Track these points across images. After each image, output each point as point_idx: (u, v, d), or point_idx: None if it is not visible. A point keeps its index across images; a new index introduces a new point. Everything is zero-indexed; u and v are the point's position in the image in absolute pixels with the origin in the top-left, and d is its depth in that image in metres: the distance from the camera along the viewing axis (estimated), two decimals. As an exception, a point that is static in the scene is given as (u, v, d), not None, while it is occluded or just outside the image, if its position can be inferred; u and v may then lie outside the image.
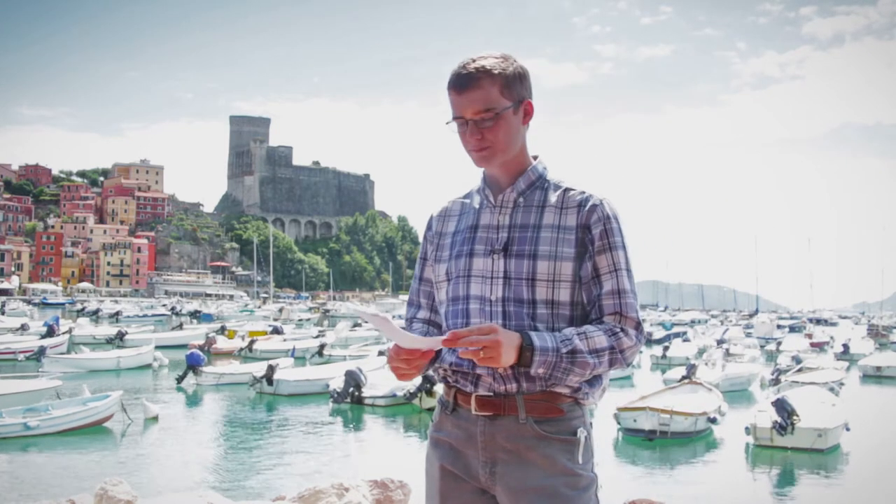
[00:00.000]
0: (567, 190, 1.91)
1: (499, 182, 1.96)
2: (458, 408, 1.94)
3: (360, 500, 5.65)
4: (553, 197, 1.91)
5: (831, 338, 52.08)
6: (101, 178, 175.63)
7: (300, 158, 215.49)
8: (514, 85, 1.87)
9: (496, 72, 1.84)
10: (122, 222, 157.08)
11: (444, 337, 1.73)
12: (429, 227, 2.09)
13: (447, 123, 1.91)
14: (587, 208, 1.87)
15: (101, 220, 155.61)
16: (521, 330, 1.80)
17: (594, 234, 1.86)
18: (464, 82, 1.85)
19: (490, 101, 1.84)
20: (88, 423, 16.03)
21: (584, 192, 1.90)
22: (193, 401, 22.18)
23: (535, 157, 1.98)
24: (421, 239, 2.18)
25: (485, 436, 1.89)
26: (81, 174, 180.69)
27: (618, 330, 1.83)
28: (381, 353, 29.05)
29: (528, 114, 1.91)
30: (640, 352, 1.90)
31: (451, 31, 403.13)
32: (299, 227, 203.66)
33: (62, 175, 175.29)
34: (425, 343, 1.76)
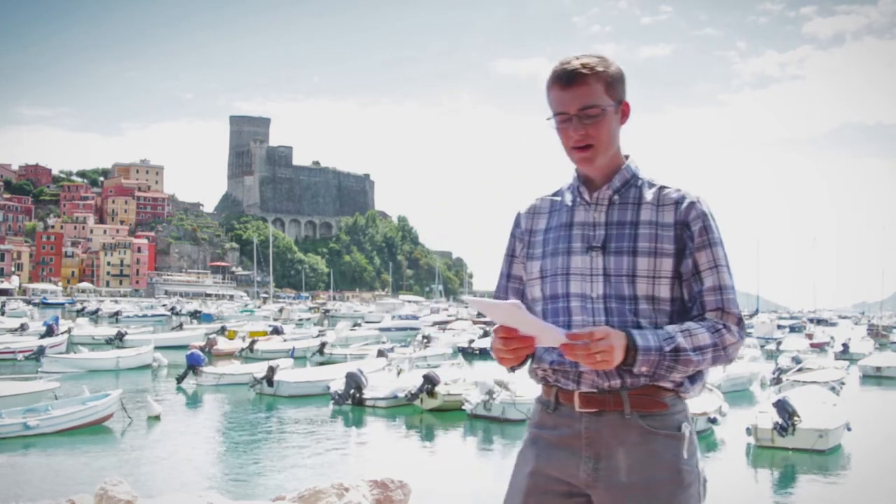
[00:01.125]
0: (662, 188, 1.93)
1: (593, 180, 1.96)
2: (559, 406, 1.94)
3: (360, 500, 5.62)
4: (648, 194, 1.92)
5: (831, 338, 52.06)
6: (101, 178, 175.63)
7: (300, 158, 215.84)
8: (616, 85, 1.90)
9: (600, 69, 1.87)
10: (122, 222, 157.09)
11: (563, 337, 1.72)
12: (517, 225, 2.08)
13: (547, 119, 1.91)
14: (685, 205, 1.89)
15: (101, 220, 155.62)
16: (625, 328, 1.79)
17: (693, 230, 1.87)
18: (570, 77, 1.85)
19: (595, 98, 1.86)
20: (88, 423, 16.02)
21: (679, 190, 1.92)
22: (193, 401, 22.16)
23: (627, 157, 1.98)
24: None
25: (589, 432, 1.88)
26: (81, 174, 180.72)
27: (720, 326, 1.84)
28: (380, 353, 29.06)
29: (625, 114, 1.94)
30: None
31: (451, 31, 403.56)
32: (299, 227, 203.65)
33: (62, 175, 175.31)
34: (551, 338, 1.74)
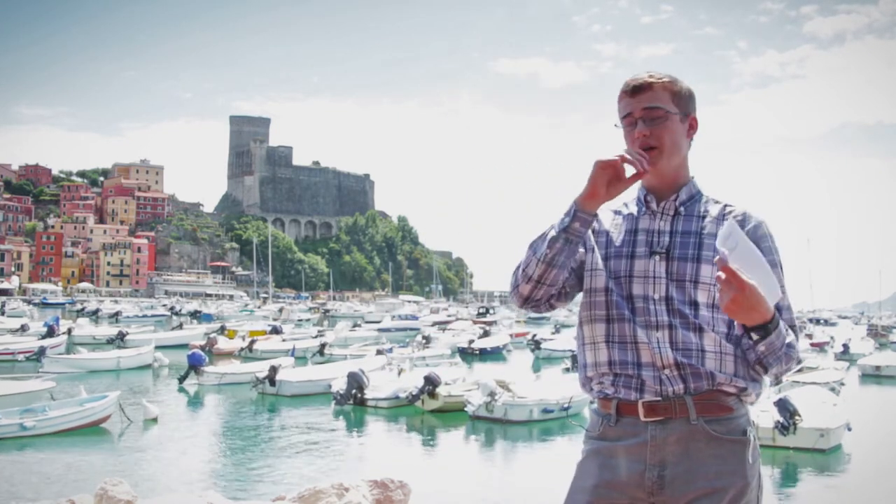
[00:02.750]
0: (726, 205, 2.00)
1: (661, 191, 2.01)
2: (622, 417, 1.93)
3: (360, 500, 5.62)
4: (713, 210, 1.99)
5: (831, 338, 52.08)
6: (101, 178, 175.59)
7: (300, 158, 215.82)
8: (683, 97, 1.99)
9: (666, 80, 1.97)
10: (122, 222, 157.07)
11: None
12: None
13: (615, 126, 2.00)
14: (752, 224, 1.95)
15: (101, 220, 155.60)
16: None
17: (762, 248, 1.89)
18: (638, 86, 1.95)
19: (660, 101, 1.94)
20: (85, 424, 15.99)
21: (745, 210, 1.98)
22: (195, 401, 22.15)
23: (693, 177, 2.06)
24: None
25: (655, 441, 1.88)
26: (81, 174, 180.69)
27: (796, 339, 1.90)
28: (379, 353, 29.05)
29: (692, 128, 2.02)
30: None
31: (451, 31, 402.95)
32: (299, 227, 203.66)
33: (62, 175, 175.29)
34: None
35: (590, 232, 2.04)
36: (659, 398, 1.88)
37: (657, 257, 1.93)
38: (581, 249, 2.03)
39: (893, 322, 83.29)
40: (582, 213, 1.88)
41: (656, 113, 1.93)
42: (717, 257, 1.71)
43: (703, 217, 1.97)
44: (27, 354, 29.90)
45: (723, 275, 1.70)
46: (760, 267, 1.75)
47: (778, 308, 1.86)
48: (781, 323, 1.80)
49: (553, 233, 1.91)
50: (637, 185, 2.03)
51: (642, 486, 1.88)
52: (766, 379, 1.98)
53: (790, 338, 1.83)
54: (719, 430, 1.87)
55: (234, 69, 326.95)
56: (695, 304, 1.90)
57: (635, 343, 1.90)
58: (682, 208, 1.98)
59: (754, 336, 1.79)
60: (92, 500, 5.85)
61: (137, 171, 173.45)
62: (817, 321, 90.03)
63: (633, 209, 2.04)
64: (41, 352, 28.73)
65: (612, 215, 2.07)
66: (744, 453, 1.87)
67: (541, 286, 1.95)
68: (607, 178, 1.86)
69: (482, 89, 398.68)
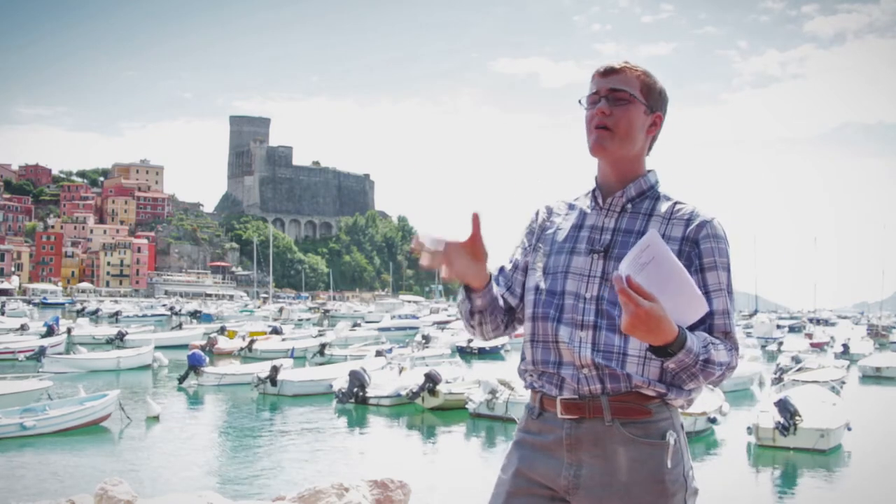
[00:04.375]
0: (677, 203, 1.92)
1: (610, 186, 1.97)
2: (543, 412, 1.93)
3: (360, 500, 5.61)
4: (662, 208, 1.92)
5: (831, 338, 52.09)
6: (101, 178, 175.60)
7: (300, 158, 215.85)
8: (653, 92, 1.95)
9: (639, 71, 1.94)
10: (122, 222, 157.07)
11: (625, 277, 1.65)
12: (536, 216, 2.10)
13: (579, 101, 1.96)
14: (697, 223, 1.87)
15: (101, 220, 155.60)
16: (678, 324, 1.72)
17: (702, 249, 1.85)
18: (610, 68, 1.93)
19: (628, 85, 1.91)
20: (85, 423, 15.99)
21: (694, 208, 1.91)
22: (195, 401, 22.14)
23: (650, 171, 2.00)
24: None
25: (570, 439, 1.87)
26: (81, 174, 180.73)
27: (730, 349, 1.81)
28: (378, 354, 29.05)
29: (655, 125, 1.97)
30: None
31: (451, 31, 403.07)
32: (299, 227, 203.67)
33: (62, 175, 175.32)
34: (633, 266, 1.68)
35: (538, 229, 2.05)
36: (576, 396, 1.86)
37: (595, 255, 1.89)
38: (522, 258, 2.05)
39: (893, 322, 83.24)
40: (474, 292, 1.92)
41: (620, 94, 1.89)
42: (615, 275, 1.64)
43: (650, 216, 1.90)
44: (27, 354, 29.90)
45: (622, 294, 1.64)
46: (676, 282, 1.67)
47: (711, 313, 1.80)
48: (694, 341, 1.71)
49: (465, 308, 1.97)
50: (592, 178, 2.02)
51: (558, 482, 1.87)
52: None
53: (710, 353, 1.74)
54: (635, 432, 1.82)
55: (234, 69, 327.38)
56: None
57: (556, 342, 1.89)
58: (629, 205, 1.93)
59: (657, 355, 1.73)
60: (92, 500, 5.84)
61: (137, 171, 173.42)
62: (817, 321, 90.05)
63: (585, 203, 2.01)
64: (41, 351, 28.72)
65: (565, 209, 2.04)
66: (662, 457, 1.82)
67: (485, 333, 2.01)
68: (454, 262, 1.85)
69: (482, 89, 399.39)
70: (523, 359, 2.00)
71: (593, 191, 2.00)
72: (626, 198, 1.93)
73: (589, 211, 1.98)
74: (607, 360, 1.82)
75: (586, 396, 1.85)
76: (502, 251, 2.10)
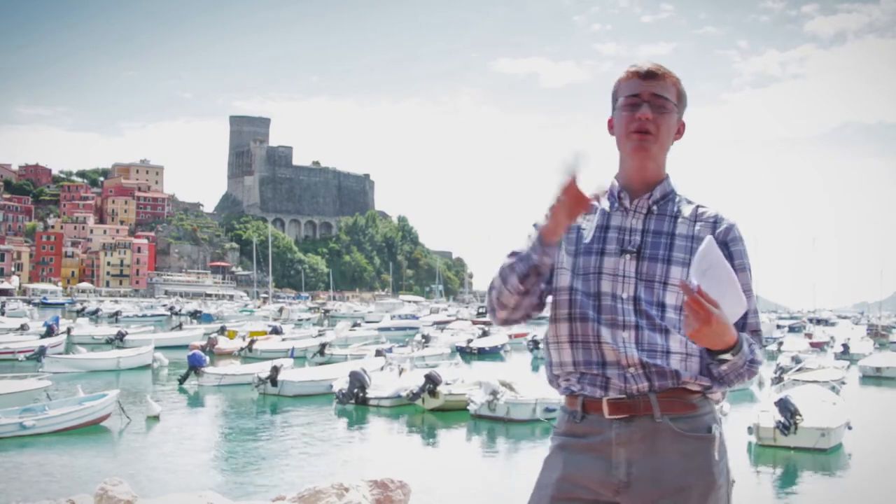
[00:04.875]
0: (699, 206, 2.00)
1: (635, 188, 2.00)
2: (587, 415, 1.93)
3: (360, 500, 5.60)
4: (686, 210, 1.98)
5: (831, 338, 52.13)
6: (101, 178, 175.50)
7: (300, 158, 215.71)
8: (683, 100, 2.01)
9: (676, 79, 1.99)
10: (122, 222, 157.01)
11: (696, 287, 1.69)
12: None
13: (615, 99, 1.99)
14: (724, 227, 1.96)
15: (101, 220, 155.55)
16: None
17: (732, 251, 1.93)
18: (652, 72, 1.96)
19: (669, 93, 1.96)
20: (85, 423, 15.99)
21: (717, 212, 1.99)
22: (195, 401, 22.14)
23: (667, 175, 2.05)
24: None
25: (620, 438, 1.88)
26: (81, 174, 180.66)
27: (761, 346, 1.92)
28: (378, 353, 29.06)
29: (679, 132, 2.03)
30: None
31: (450, 31, 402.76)
32: (299, 227, 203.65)
33: (62, 175, 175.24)
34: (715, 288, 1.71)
35: None
36: (623, 396, 1.88)
37: (627, 256, 1.92)
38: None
39: (893, 322, 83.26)
40: (549, 247, 1.88)
41: (663, 102, 1.93)
42: (686, 283, 1.70)
43: (676, 217, 1.96)
44: (27, 354, 29.90)
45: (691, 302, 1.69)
46: (731, 285, 1.74)
47: (755, 311, 1.90)
48: (745, 343, 1.81)
49: (522, 267, 1.90)
50: (610, 179, 2.04)
51: (607, 483, 1.87)
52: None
53: (753, 354, 1.85)
54: (684, 427, 1.87)
55: (234, 69, 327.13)
56: (662, 306, 1.89)
57: (598, 343, 1.89)
58: (655, 207, 1.97)
59: (716, 359, 1.82)
60: (92, 500, 5.83)
61: (137, 171, 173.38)
62: (817, 321, 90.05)
63: (605, 204, 2.01)
64: (41, 351, 28.72)
65: None
66: (710, 450, 1.87)
67: (517, 310, 1.97)
68: (571, 210, 1.83)
69: (482, 89, 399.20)
70: (553, 363, 1.99)
71: (618, 192, 2.01)
72: (653, 200, 1.98)
73: (612, 212, 1.99)
74: (653, 358, 1.86)
75: (634, 395, 1.88)
76: (502, 252, 2.08)
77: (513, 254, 1.92)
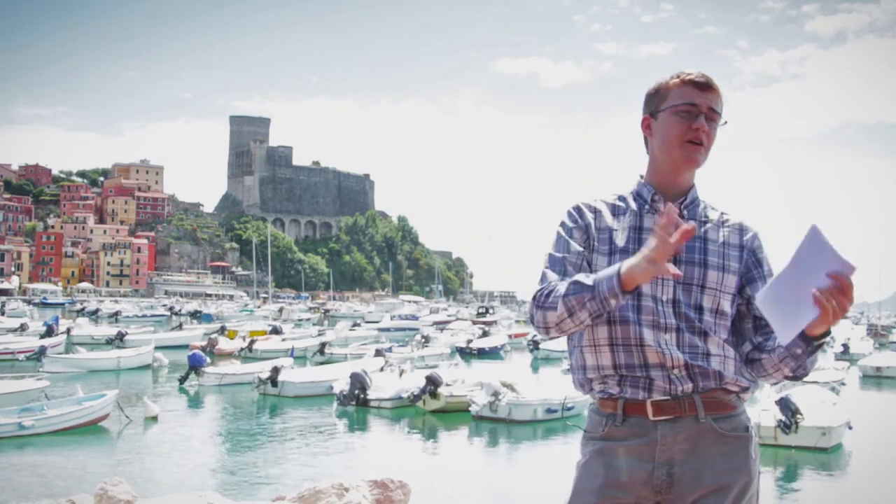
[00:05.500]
0: (723, 213, 2.07)
1: (667, 192, 2.03)
2: (628, 417, 1.93)
3: (360, 500, 5.59)
4: (713, 215, 2.05)
5: (831, 338, 52.04)
6: (101, 178, 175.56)
7: (300, 158, 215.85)
8: (722, 112, 2.04)
9: (720, 92, 2.01)
10: (122, 222, 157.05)
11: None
12: (580, 215, 2.03)
13: (670, 107, 1.96)
14: (750, 234, 2.04)
15: (101, 220, 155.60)
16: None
17: (760, 258, 2.02)
18: (708, 83, 1.98)
19: (720, 108, 2.00)
20: (84, 423, 15.97)
21: (741, 220, 2.06)
22: (195, 401, 22.13)
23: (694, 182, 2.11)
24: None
25: (665, 439, 1.90)
26: (81, 174, 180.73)
27: None
28: (378, 353, 29.07)
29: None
30: None
31: (451, 31, 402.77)
32: (299, 227, 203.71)
33: (62, 175, 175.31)
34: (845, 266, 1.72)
35: (591, 229, 2.01)
36: (668, 397, 1.90)
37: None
38: (582, 248, 1.99)
39: (893, 322, 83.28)
40: (629, 294, 1.80)
41: (716, 117, 1.98)
42: (846, 274, 1.69)
43: (705, 222, 2.01)
44: (27, 354, 29.89)
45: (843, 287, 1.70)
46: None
47: None
48: None
49: (595, 307, 1.80)
50: (636, 180, 2.06)
51: (650, 484, 1.89)
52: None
53: None
54: (725, 427, 1.91)
55: (234, 69, 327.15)
56: (699, 309, 1.93)
57: (641, 346, 1.90)
58: (685, 211, 2.01)
59: (816, 343, 1.82)
60: (92, 500, 5.82)
61: (137, 171, 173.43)
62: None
63: (634, 206, 2.02)
64: (41, 351, 28.70)
65: (610, 210, 2.03)
66: (747, 449, 1.92)
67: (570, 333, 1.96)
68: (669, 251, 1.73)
69: (482, 89, 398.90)
70: (587, 366, 1.97)
71: (651, 195, 2.02)
72: (684, 205, 2.02)
73: (643, 213, 2.01)
74: (695, 360, 1.89)
75: (679, 396, 1.90)
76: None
77: (577, 283, 1.82)
